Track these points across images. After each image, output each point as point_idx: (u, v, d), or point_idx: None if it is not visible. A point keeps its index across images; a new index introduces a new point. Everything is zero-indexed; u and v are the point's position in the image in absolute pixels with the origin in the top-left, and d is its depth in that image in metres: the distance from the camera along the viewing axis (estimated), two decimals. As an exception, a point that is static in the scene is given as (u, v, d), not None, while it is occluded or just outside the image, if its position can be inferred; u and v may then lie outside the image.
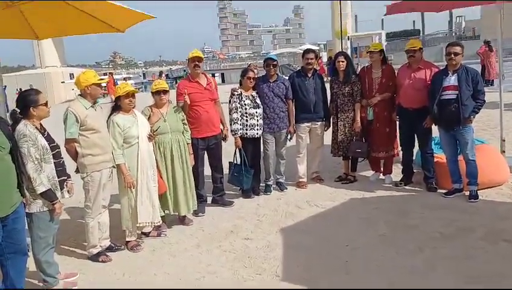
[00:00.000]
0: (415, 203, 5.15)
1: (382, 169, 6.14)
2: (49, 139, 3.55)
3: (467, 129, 5.00)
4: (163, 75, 35.08)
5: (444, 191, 5.36)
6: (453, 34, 45.70)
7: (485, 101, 5.00)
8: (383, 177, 6.09)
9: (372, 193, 5.64)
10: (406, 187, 5.74)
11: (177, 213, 4.99)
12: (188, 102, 4.99)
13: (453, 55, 4.97)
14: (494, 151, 5.80)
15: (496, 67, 14.75)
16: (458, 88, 4.90)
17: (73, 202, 5.24)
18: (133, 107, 4.48)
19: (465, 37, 40.53)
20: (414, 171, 5.90)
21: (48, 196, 3.41)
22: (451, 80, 4.97)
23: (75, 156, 4.04)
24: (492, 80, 15.69)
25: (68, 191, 3.75)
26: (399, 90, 5.64)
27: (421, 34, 50.03)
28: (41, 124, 3.57)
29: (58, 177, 3.57)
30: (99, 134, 4.06)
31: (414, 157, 5.92)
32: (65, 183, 3.70)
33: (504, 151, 5.93)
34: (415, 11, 7.24)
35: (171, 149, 4.76)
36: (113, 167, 4.25)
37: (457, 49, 4.99)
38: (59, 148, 3.66)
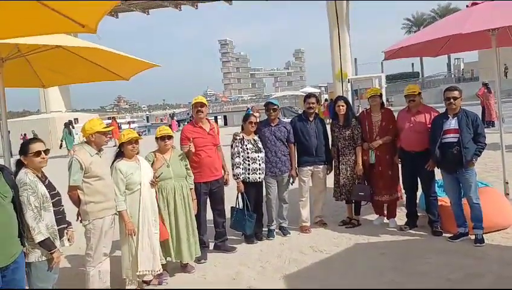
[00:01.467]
0: (421, 248, 5.06)
1: (386, 213, 6.08)
2: (49, 187, 3.54)
3: (470, 172, 4.99)
4: (174, 117, 35.83)
5: (449, 235, 5.28)
6: (452, 75, 46.39)
7: (486, 144, 5.02)
8: (387, 221, 6.02)
9: (377, 238, 5.55)
10: (411, 231, 5.65)
11: (179, 260, 4.91)
12: (193, 150, 5.02)
13: (452, 100, 5.03)
14: (498, 194, 5.75)
15: (496, 108, 14.85)
16: (459, 131, 4.94)
17: (73, 250, 5.15)
18: (136, 153, 4.51)
19: (464, 78, 41.14)
20: (418, 214, 5.83)
21: (46, 245, 3.36)
22: (452, 123, 5.01)
23: (78, 203, 4.03)
24: (493, 121, 15.79)
25: (68, 239, 3.71)
26: (400, 134, 5.69)
27: (420, 77, 50.86)
28: (42, 172, 3.58)
29: (58, 225, 3.54)
30: (102, 181, 4.07)
31: (418, 201, 5.88)
32: (65, 231, 3.68)
33: (508, 194, 5.88)
34: (412, 56, 7.39)
35: (174, 195, 4.74)
36: (116, 214, 4.23)
37: (456, 93, 5.06)
38: (60, 196, 3.65)
